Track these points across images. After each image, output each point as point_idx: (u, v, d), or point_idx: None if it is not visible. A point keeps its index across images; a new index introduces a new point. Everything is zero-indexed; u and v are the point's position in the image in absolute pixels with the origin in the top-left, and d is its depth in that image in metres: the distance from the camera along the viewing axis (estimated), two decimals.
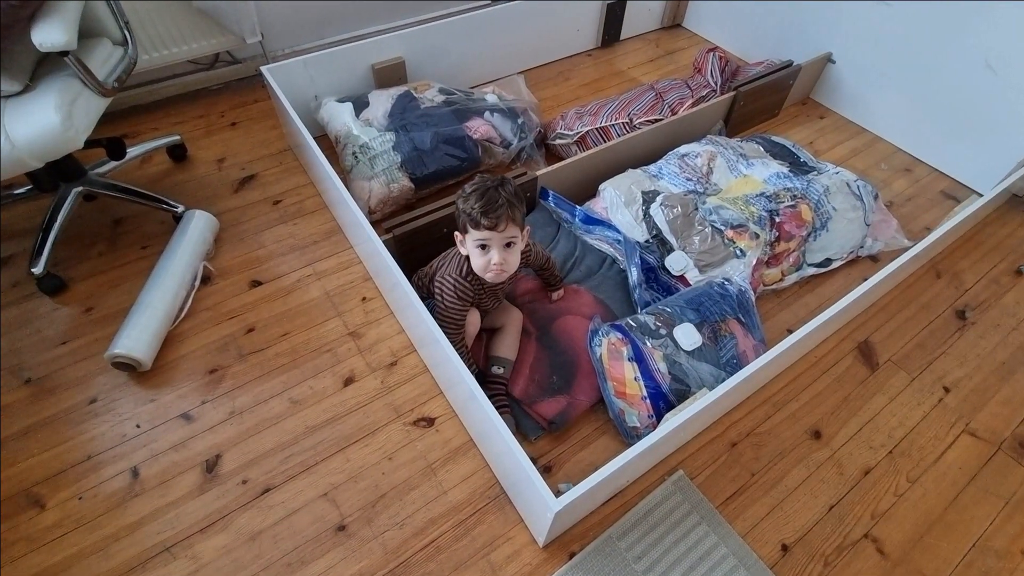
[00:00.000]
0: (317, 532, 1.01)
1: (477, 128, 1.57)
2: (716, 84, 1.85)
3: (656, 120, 1.68)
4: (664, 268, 1.32)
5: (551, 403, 1.14)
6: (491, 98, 1.69)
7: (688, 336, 1.11)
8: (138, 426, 1.13)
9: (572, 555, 1.00)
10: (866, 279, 1.17)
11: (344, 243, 1.50)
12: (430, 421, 1.17)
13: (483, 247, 1.00)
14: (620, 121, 1.67)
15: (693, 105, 1.74)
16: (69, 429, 1.12)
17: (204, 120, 1.83)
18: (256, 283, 1.39)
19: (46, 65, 1.16)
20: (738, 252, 1.29)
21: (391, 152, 1.48)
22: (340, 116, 1.56)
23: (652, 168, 1.51)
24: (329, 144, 1.66)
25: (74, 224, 1.45)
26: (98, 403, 1.16)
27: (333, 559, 0.98)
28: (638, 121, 1.67)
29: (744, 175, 1.48)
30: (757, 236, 1.30)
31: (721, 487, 1.10)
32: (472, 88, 1.77)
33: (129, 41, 1.30)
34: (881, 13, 1.73)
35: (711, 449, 1.15)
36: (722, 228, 1.31)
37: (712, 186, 1.46)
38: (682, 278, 1.31)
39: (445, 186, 1.59)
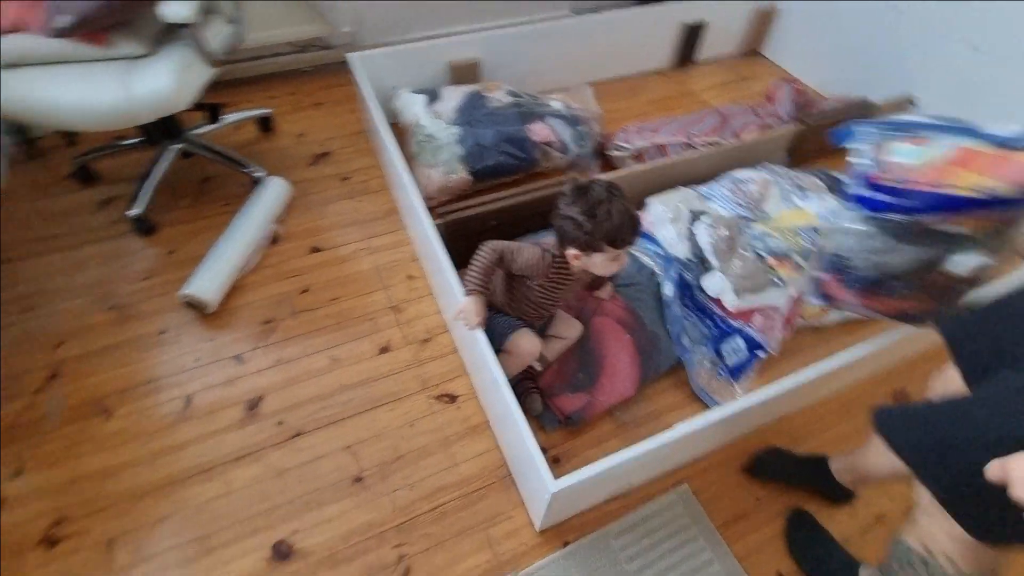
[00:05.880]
0: (336, 479, 1.10)
1: (538, 131, 1.63)
2: (786, 116, 1.83)
3: (717, 143, 1.69)
4: (700, 288, 1.34)
5: (572, 399, 1.18)
6: (556, 104, 1.75)
7: None
8: (197, 360, 1.26)
9: (566, 544, 1.04)
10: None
11: (399, 224, 1.60)
12: (453, 398, 1.24)
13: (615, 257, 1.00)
14: (679, 140, 1.69)
15: (757, 134, 1.74)
16: (139, 353, 1.27)
17: (292, 98, 1.99)
18: (316, 249, 1.51)
19: (167, 34, 1.32)
20: (778, 280, 1.28)
21: (455, 144, 1.57)
22: (413, 106, 1.67)
23: (703, 188, 1.53)
24: (400, 131, 1.77)
25: (169, 177, 1.62)
26: (167, 334, 1.30)
27: (347, 506, 1.06)
28: (697, 142, 1.68)
29: (797, 207, 1.47)
30: (800, 268, 1.30)
31: (725, 508, 1.10)
32: (540, 93, 1.84)
33: (239, 20, 1.45)
34: (969, 59, 1.67)
35: (721, 470, 1.16)
36: (765, 255, 1.31)
37: (762, 213, 1.46)
38: (717, 300, 1.32)
39: (500, 183, 1.66)
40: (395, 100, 1.74)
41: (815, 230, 1.37)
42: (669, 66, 2.29)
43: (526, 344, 1.09)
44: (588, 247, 0.98)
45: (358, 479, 1.10)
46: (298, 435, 1.16)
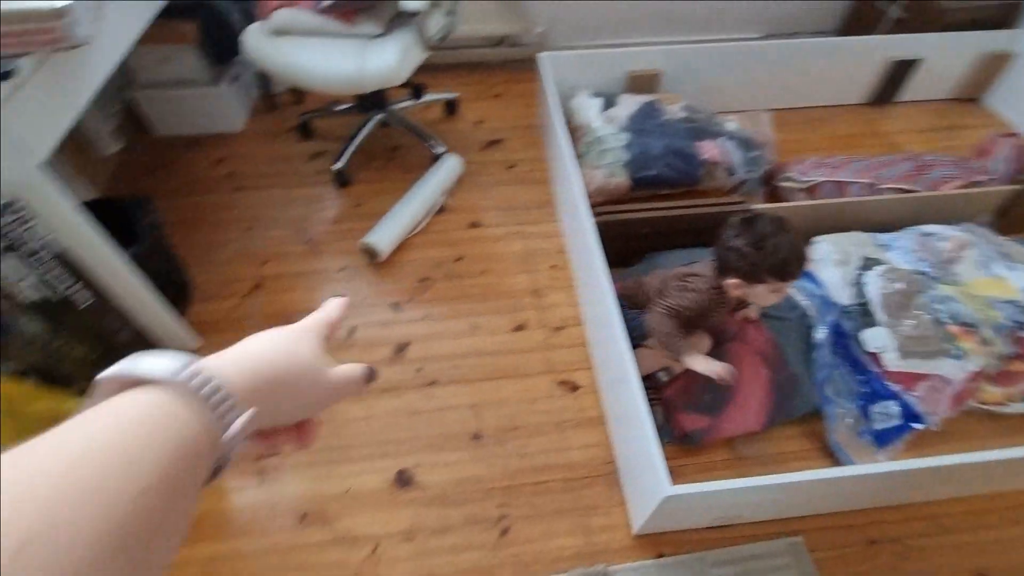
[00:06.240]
0: (458, 431, 1.21)
1: (708, 149, 1.61)
2: (1001, 174, 1.61)
3: (909, 191, 1.54)
4: (858, 340, 1.24)
5: (693, 418, 1.17)
6: (731, 126, 1.71)
7: None
8: (364, 299, 1.46)
9: (660, 555, 1.04)
10: None
11: (552, 216, 1.69)
12: (574, 387, 1.29)
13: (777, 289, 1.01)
14: (863, 181, 1.57)
15: (961, 188, 1.55)
16: (321, 283, 1.50)
17: (478, 87, 2.17)
18: (475, 225, 1.65)
19: (397, 19, 1.53)
20: (956, 352, 1.15)
21: (621, 150, 1.62)
22: (588, 109, 1.74)
23: (883, 237, 1.41)
24: (571, 130, 1.85)
25: (367, 141, 1.86)
26: (344, 272, 1.52)
27: (463, 456, 1.17)
28: (884, 187, 1.55)
29: (998, 276, 1.30)
30: (987, 343, 1.15)
31: (840, 574, 1.03)
32: (716, 112, 1.81)
33: (455, 13, 1.63)
34: None
35: (845, 534, 1.08)
36: (946, 321, 1.19)
37: (950, 275, 1.31)
38: (875, 356, 1.22)
39: (657, 194, 1.67)
40: (572, 100, 1.83)
41: (1017, 305, 1.20)
42: (863, 102, 2.11)
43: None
44: (752, 278, 0.99)
45: (477, 436, 1.20)
46: (433, 384, 1.29)
